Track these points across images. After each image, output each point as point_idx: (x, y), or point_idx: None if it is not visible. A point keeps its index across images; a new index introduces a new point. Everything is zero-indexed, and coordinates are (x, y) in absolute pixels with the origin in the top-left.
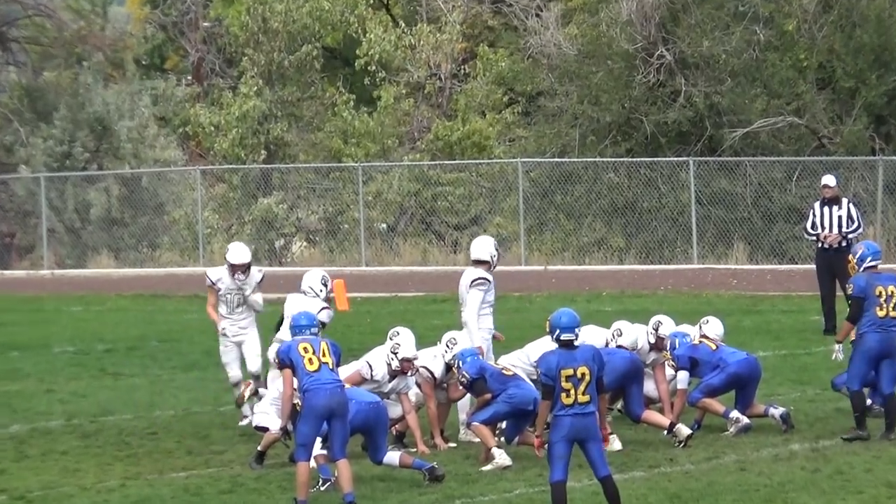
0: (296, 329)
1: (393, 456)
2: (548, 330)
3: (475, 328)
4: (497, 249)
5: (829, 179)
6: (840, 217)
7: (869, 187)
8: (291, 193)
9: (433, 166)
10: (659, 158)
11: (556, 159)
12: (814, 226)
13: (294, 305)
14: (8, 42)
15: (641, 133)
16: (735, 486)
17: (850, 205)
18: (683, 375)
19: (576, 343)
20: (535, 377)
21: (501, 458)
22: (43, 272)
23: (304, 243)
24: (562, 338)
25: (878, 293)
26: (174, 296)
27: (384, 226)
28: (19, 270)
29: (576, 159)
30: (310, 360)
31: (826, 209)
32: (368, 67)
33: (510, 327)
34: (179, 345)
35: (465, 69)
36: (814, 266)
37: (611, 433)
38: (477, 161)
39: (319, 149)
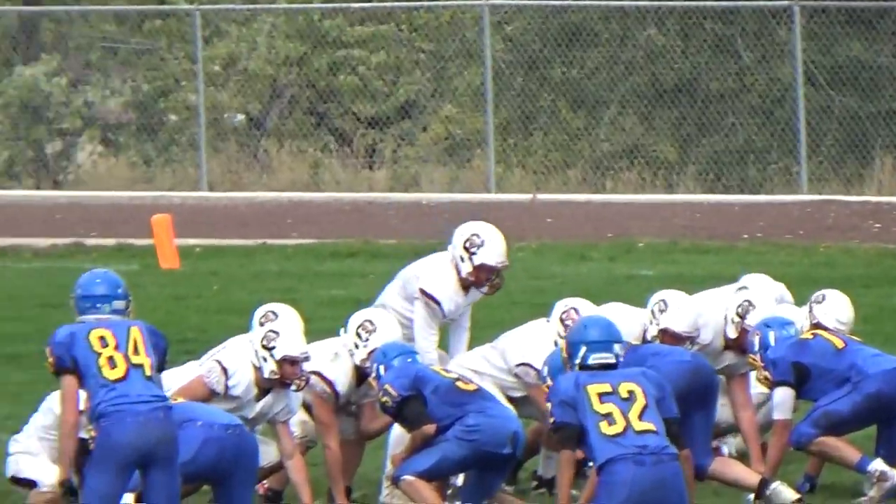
0: (83, 302)
1: None
2: (565, 352)
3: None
4: None
5: None
6: None
7: None
8: (76, 59)
9: (331, 12)
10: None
11: (556, 1)
12: None
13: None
14: None
15: None
16: None
17: None
18: (784, 395)
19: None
20: (517, 392)
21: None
22: None
23: (100, 148)
24: (590, 362)
25: None
26: None
27: (240, 118)
28: None
29: (588, 1)
30: (109, 359)
31: None
32: None
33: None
34: None
35: None
36: None
37: None
38: (412, 2)
39: None
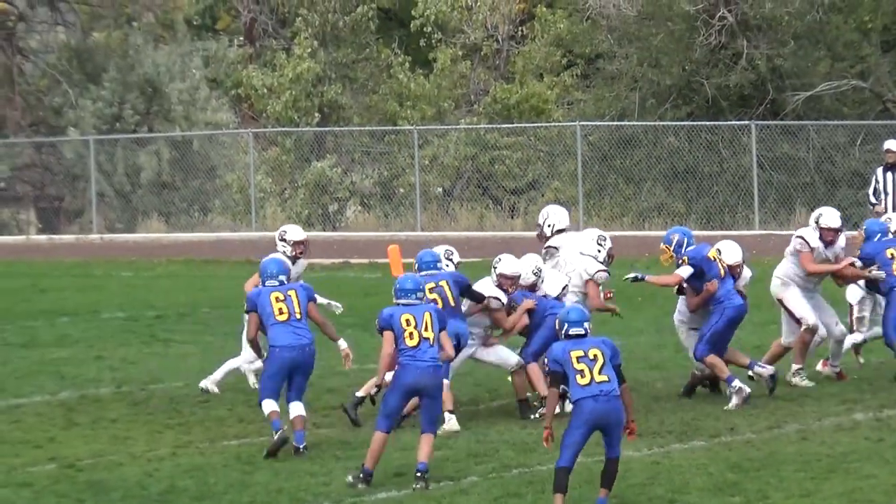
0: (399, 294)
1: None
2: (557, 327)
3: None
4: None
5: (892, 144)
6: None
7: None
8: (345, 157)
9: (490, 130)
10: (720, 122)
11: (616, 123)
12: (876, 192)
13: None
14: (57, 2)
15: (702, 96)
16: (796, 456)
17: None
18: (685, 269)
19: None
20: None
21: (450, 423)
22: (92, 237)
23: (359, 208)
24: (570, 332)
25: None
26: (226, 261)
27: (440, 190)
28: (68, 235)
29: (635, 123)
30: (410, 334)
31: (889, 174)
32: (424, 29)
33: None
34: (231, 311)
35: (522, 31)
36: None
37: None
38: (535, 125)
39: (374, 112)
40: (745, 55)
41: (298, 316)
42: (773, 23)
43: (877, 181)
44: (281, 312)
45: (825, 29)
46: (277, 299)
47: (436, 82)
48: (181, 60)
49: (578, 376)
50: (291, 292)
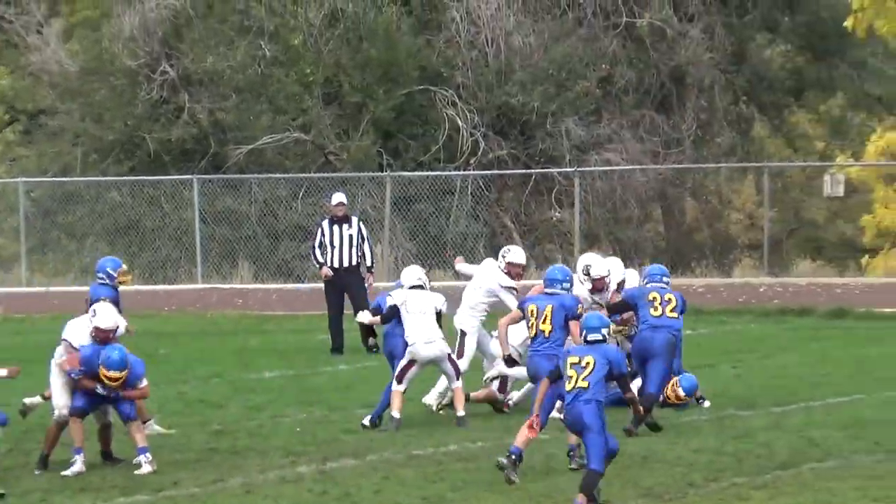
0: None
1: None
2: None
3: None
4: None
5: (340, 197)
6: (351, 236)
7: (377, 204)
8: None
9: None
10: (162, 177)
11: (58, 179)
12: (322, 245)
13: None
14: None
15: (145, 151)
16: None
17: (360, 223)
18: None
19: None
20: None
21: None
22: None
23: None
24: (588, 338)
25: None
26: None
27: None
28: None
29: (78, 178)
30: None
31: (336, 227)
32: None
33: (12, 348)
34: None
35: None
36: (321, 285)
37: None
38: None
39: None
40: (188, 109)
41: None
42: (215, 77)
43: (322, 234)
44: None
45: (267, 82)
46: None
47: None
48: None
49: (567, 381)
50: None
